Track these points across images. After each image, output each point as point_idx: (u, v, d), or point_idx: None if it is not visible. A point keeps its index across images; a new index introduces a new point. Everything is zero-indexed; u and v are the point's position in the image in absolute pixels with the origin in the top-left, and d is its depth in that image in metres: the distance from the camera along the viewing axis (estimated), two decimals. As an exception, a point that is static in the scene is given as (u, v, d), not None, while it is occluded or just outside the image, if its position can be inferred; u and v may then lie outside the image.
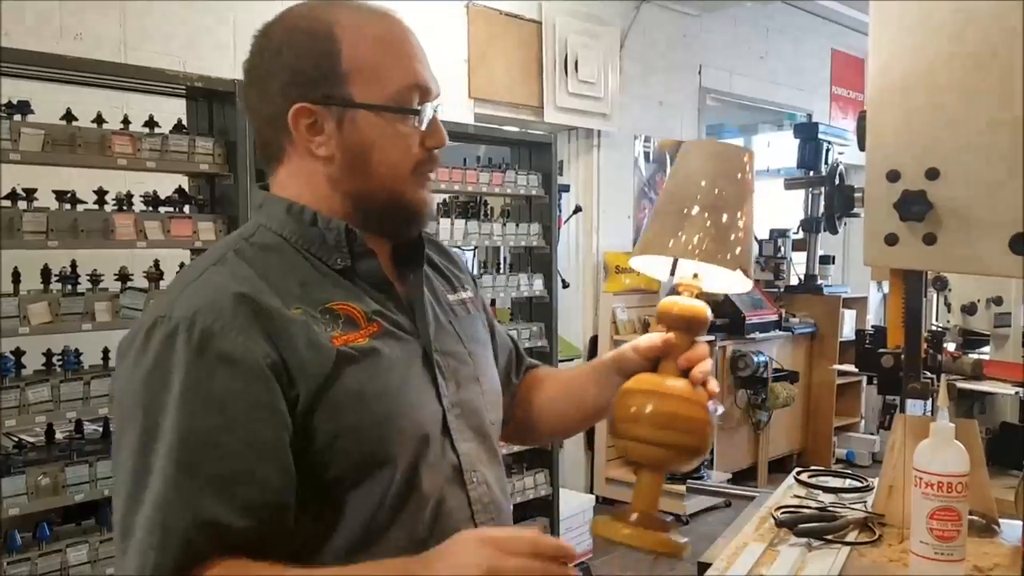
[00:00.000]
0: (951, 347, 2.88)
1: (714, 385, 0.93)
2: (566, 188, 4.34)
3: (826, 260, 5.85)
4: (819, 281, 5.63)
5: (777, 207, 6.62)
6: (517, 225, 3.14)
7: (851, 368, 3.40)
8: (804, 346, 5.45)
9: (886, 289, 6.19)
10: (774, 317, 5.07)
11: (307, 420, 0.82)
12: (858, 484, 1.53)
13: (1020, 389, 2.71)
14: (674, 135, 5.32)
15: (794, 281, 5.65)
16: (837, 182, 4.75)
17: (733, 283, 0.97)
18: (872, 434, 5.68)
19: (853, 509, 1.38)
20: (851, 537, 1.27)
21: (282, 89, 0.89)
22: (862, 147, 1.24)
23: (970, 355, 2.98)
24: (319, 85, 0.89)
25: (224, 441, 0.78)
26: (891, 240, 1.20)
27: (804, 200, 5.76)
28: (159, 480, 0.76)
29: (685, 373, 0.93)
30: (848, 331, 5.56)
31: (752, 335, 4.80)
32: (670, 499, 4.26)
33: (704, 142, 1.06)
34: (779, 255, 5.52)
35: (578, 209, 4.39)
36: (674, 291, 0.97)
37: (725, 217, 0.92)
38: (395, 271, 0.97)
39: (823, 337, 5.45)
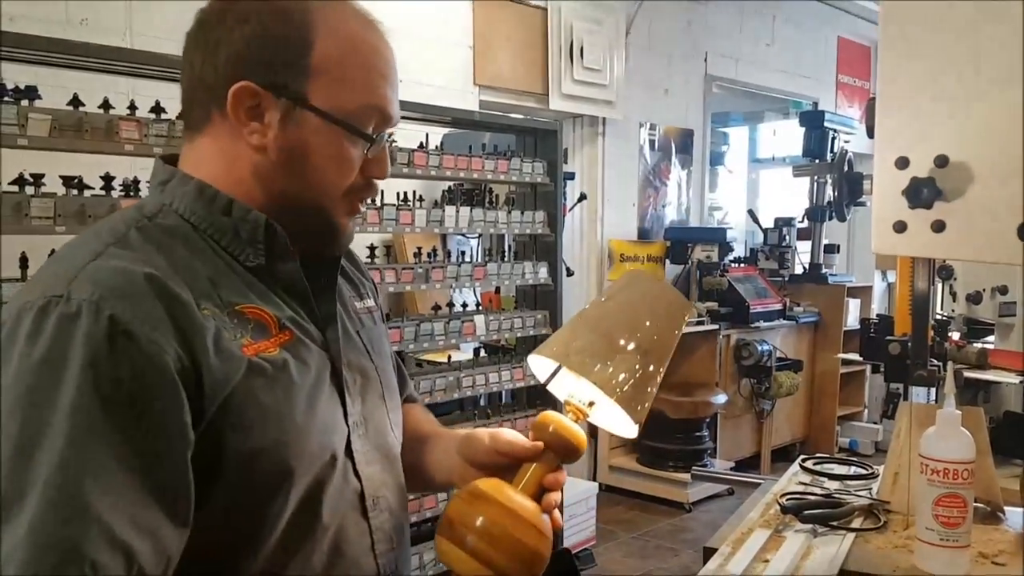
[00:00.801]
0: (956, 336, 2.89)
1: (559, 519, 0.85)
2: (571, 176, 4.33)
3: (831, 249, 5.84)
4: (824, 270, 5.62)
5: (783, 196, 6.61)
6: (522, 213, 3.14)
7: (855, 357, 3.41)
8: (808, 335, 5.45)
9: (891, 278, 6.21)
10: (778, 306, 5.07)
11: (207, 436, 0.72)
12: (863, 471, 1.54)
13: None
14: (679, 123, 5.31)
15: (799, 270, 5.65)
16: (845, 169, 4.72)
17: (621, 427, 0.91)
18: (875, 423, 5.69)
19: (858, 496, 1.38)
20: (856, 524, 1.28)
21: (232, 59, 0.79)
22: (871, 134, 1.24)
23: (975, 344, 2.99)
24: (276, 71, 0.79)
25: (123, 458, 0.67)
26: (899, 228, 1.20)
27: (810, 189, 5.75)
28: (38, 498, 0.64)
29: (537, 495, 0.84)
30: (852, 320, 5.55)
31: (756, 324, 4.80)
32: (673, 487, 4.29)
33: (659, 284, 0.99)
34: (784, 244, 5.51)
35: (583, 197, 4.39)
36: (557, 407, 0.90)
37: (651, 367, 0.87)
38: (306, 274, 0.86)
39: (827, 326, 5.45)
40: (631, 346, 0.87)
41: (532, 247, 3.26)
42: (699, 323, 4.50)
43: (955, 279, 3.08)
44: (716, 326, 4.56)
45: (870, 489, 1.44)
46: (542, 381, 0.95)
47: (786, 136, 6.71)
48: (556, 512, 0.85)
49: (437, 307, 3.08)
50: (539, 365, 0.94)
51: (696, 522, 4.25)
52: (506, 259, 3.20)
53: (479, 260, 3.16)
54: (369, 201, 2.78)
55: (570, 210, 4.31)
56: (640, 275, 1.00)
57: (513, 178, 3.09)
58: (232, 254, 0.81)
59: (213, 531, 0.74)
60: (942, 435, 1.12)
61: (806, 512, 1.28)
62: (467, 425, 2.90)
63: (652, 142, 5.12)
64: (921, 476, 1.12)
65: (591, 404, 0.88)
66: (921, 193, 1.19)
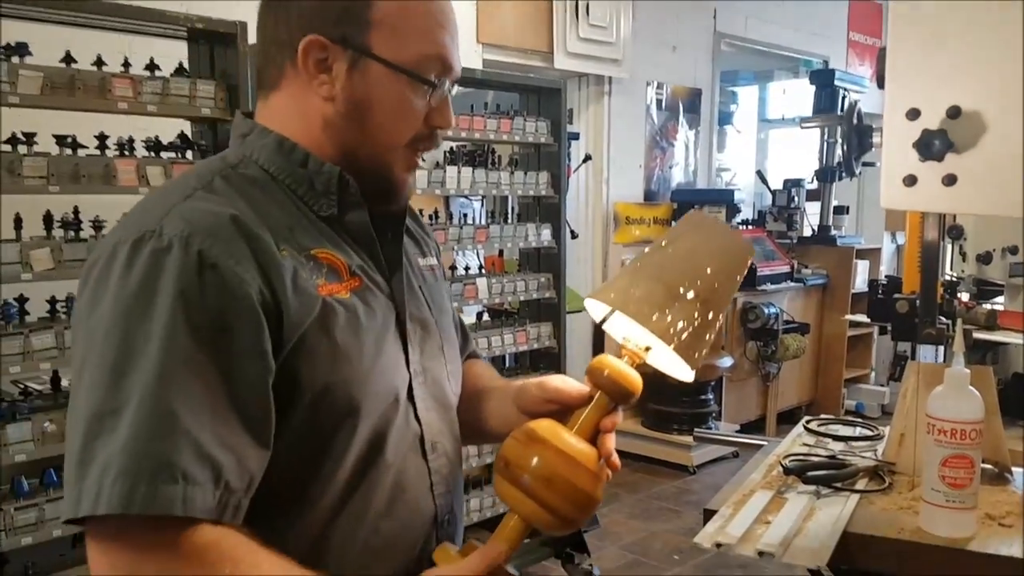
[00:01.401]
0: (965, 297, 2.86)
1: (616, 461, 0.86)
2: (575, 136, 4.27)
3: (840, 210, 5.76)
4: (833, 232, 5.56)
5: (792, 157, 6.51)
6: (525, 174, 3.09)
7: (863, 319, 3.37)
8: (816, 297, 5.40)
9: (900, 240, 6.11)
10: (786, 269, 5.02)
11: (284, 368, 0.77)
12: (868, 432, 1.51)
13: (1038, 339, 2.68)
14: (687, 82, 5.21)
15: (807, 232, 5.58)
16: (854, 121, 4.59)
17: (677, 371, 0.91)
18: (882, 386, 5.67)
19: (863, 457, 1.36)
20: (861, 485, 1.26)
21: (302, 16, 0.85)
22: (881, 84, 1.19)
23: (984, 305, 2.95)
24: (342, 23, 0.84)
25: (210, 380, 0.72)
26: (910, 181, 1.16)
27: (819, 149, 5.66)
28: (132, 415, 0.69)
29: (592, 438, 0.85)
30: (861, 283, 5.51)
31: (763, 287, 4.76)
32: (677, 449, 4.29)
33: (722, 228, 0.99)
34: (792, 205, 5.44)
35: (588, 158, 4.32)
36: (615, 351, 0.89)
37: (711, 315, 0.87)
38: (373, 226, 0.92)
39: (835, 288, 5.41)
40: (691, 295, 0.86)
41: (536, 209, 3.22)
42: (705, 286, 4.45)
43: (965, 239, 3.03)
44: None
45: (875, 450, 1.41)
46: (597, 321, 0.95)
47: (796, 96, 6.59)
48: (614, 455, 0.86)
49: (440, 269, 3.05)
50: (593, 306, 0.93)
51: (700, 484, 4.26)
52: (509, 221, 3.16)
53: (482, 222, 3.12)
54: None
55: (575, 171, 4.25)
56: (702, 219, 0.96)
57: (516, 138, 3.03)
58: (307, 203, 0.86)
59: (287, 460, 0.78)
60: (950, 394, 1.09)
61: (809, 473, 1.25)
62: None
63: (659, 102, 5.03)
64: (928, 436, 1.09)
65: (647, 349, 0.88)
66: (932, 145, 1.15)
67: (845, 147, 4.76)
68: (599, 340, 4.52)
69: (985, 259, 3.06)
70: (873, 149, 4.63)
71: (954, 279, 2.99)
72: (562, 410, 0.90)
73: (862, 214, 6.78)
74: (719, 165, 5.99)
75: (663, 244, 0.92)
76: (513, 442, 0.83)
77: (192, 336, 0.72)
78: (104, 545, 0.71)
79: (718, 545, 1.06)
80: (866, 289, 5.53)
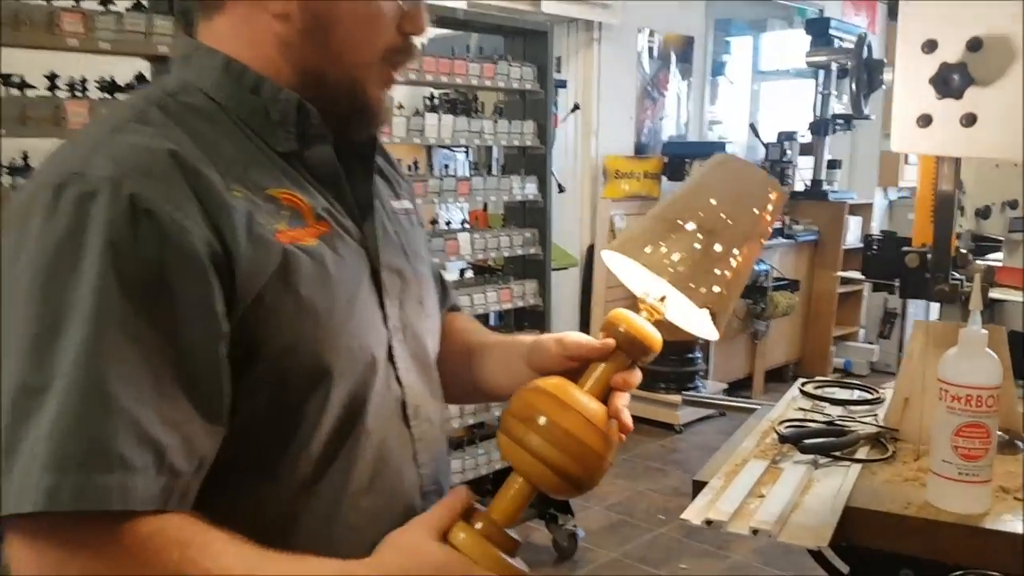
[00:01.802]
0: (963, 252, 2.77)
1: (628, 421, 0.78)
2: (563, 84, 4.10)
3: (833, 165, 5.65)
4: (825, 187, 5.45)
5: (785, 110, 6.37)
6: (510, 123, 2.95)
7: (857, 275, 3.28)
8: (807, 254, 5.32)
9: (892, 195, 5.99)
10: (777, 224, 4.92)
11: (242, 329, 0.67)
12: (868, 396, 1.42)
13: (1035, 297, 2.60)
14: (680, 30, 5.03)
15: (799, 187, 5.47)
16: (864, 56, 4.36)
17: (700, 327, 0.82)
18: (871, 343, 5.62)
19: (863, 423, 1.27)
20: (862, 454, 1.17)
21: None
22: (893, 15, 1.07)
23: (980, 261, 2.87)
24: None
25: (149, 348, 0.63)
26: (924, 121, 1.05)
27: (813, 101, 5.52)
28: (60, 391, 0.60)
29: (603, 396, 0.78)
30: (852, 239, 5.42)
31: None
32: (663, 408, 4.23)
33: (736, 160, 0.89)
34: (785, 159, 5.31)
35: (576, 107, 4.17)
36: (634, 306, 0.82)
37: (718, 247, 0.78)
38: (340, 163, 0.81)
39: (826, 245, 5.32)
40: (690, 225, 0.78)
41: (521, 161, 3.08)
42: (695, 241, 4.35)
43: (964, 192, 2.93)
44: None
45: (876, 415, 1.32)
46: (622, 280, 0.87)
47: (791, 47, 6.41)
48: (626, 414, 0.78)
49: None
50: (607, 258, 0.86)
51: (686, 444, 4.21)
52: (493, 172, 3.03)
53: (465, 174, 2.99)
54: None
55: (563, 121, 4.10)
56: (725, 159, 0.87)
57: (500, 84, 2.88)
58: (262, 138, 0.75)
59: (249, 434, 0.70)
60: (965, 357, 0.99)
61: (806, 441, 1.16)
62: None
63: (651, 50, 4.86)
64: (940, 403, 0.99)
65: (663, 299, 0.80)
66: (951, 81, 1.03)
67: (853, 84, 4.49)
68: (586, 298, 4.42)
69: (984, 213, 2.96)
70: (883, 87, 4.36)
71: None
72: (581, 369, 0.81)
73: (855, 168, 6.66)
74: (711, 118, 5.84)
75: (685, 182, 0.89)
76: (519, 399, 0.77)
77: (126, 297, 0.62)
78: (29, 543, 0.61)
79: (708, 522, 0.97)
80: (858, 245, 5.46)
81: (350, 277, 0.76)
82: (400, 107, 2.72)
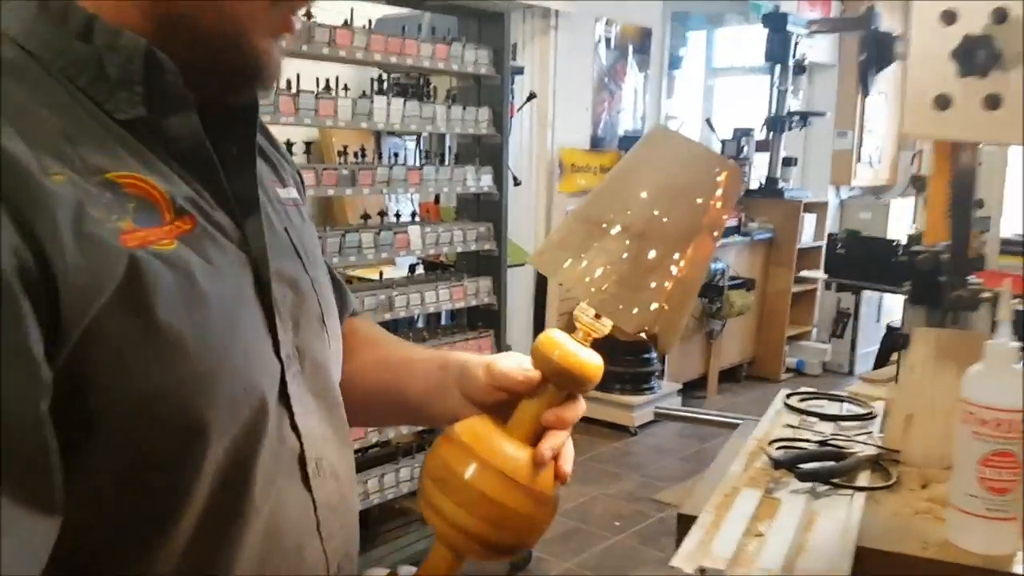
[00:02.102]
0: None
1: (566, 465, 0.64)
2: (519, 71, 3.94)
3: (788, 162, 5.63)
4: (780, 184, 5.42)
5: (740, 106, 6.33)
6: (464, 109, 2.77)
7: (820, 275, 3.20)
8: (762, 252, 5.27)
9: (844, 195, 5.96)
10: (733, 222, 4.85)
11: (72, 374, 0.48)
12: (859, 410, 1.30)
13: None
14: (637, 21, 4.91)
15: (755, 184, 5.42)
16: (872, 26, 4.16)
17: (659, 339, 0.67)
18: (824, 343, 5.61)
19: (859, 443, 1.14)
20: (862, 479, 1.04)
21: None
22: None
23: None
24: None
25: None
26: (943, 102, 0.91)
27: (769, 97, 5.47)
28: None
29: (534, 438, 0.64)
30: (807, 237, 5.40)
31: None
32: (618, 410, 4.11)
33: (669, 135, 0.68)
34: (742, 156, 5.26)
35: (532, 96, 4.01)
36: (570, 323, 0.67)
37: (653, 253, 0.62)
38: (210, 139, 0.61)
39: (781, 243, 5.28)
40: (615, 228, 0.63)
41: (476, 150, 2.91)
42: (652, 238, 4.26)
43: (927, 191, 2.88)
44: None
45: (870, 433, 1.20)
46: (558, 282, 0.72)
47: (746, 42, 6.37)
48: (564, 457, 0.64)
49: (367, 216, 2.74)
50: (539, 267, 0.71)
51: (641, 446, 4.10)
52: (446, 162, 2.85)
53: (415, 163, 2.80)
54: (283, 86, 2.38)
55: (519, 110, 3.94)
56: (652, 135, 0.70)
57: (454, 67, 2.70)
58: (97, 101, 0.55)
59: (97, 518, 0.51)
60: (993, 374, 0.86)
61: (802, 467, 1.02)
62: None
63: (608, 41, 4.73)
64: (962, 427, 0.86)
65: (598, 316, 0.64)
66: (975, 56, 0.90)
67: (863, 59, 4.25)
68: (540, 297, 4.28)
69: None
70: (895, 62, 4.06)
71: (918, 233, 2.84)
72: (514, 399, 0.66)
73: (808, 166, 6.66)
74: (668, 112, 5.75)
75: (612, 170, 0.69)
76: (433, 454, 0.65)
77: None
78: None
79: (702, 571, 0.82)
80: (812, 244, 5.44)
81: (228, 292, 0.57)
82: (346, 89, 2.52)
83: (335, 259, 2.50)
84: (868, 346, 5.58)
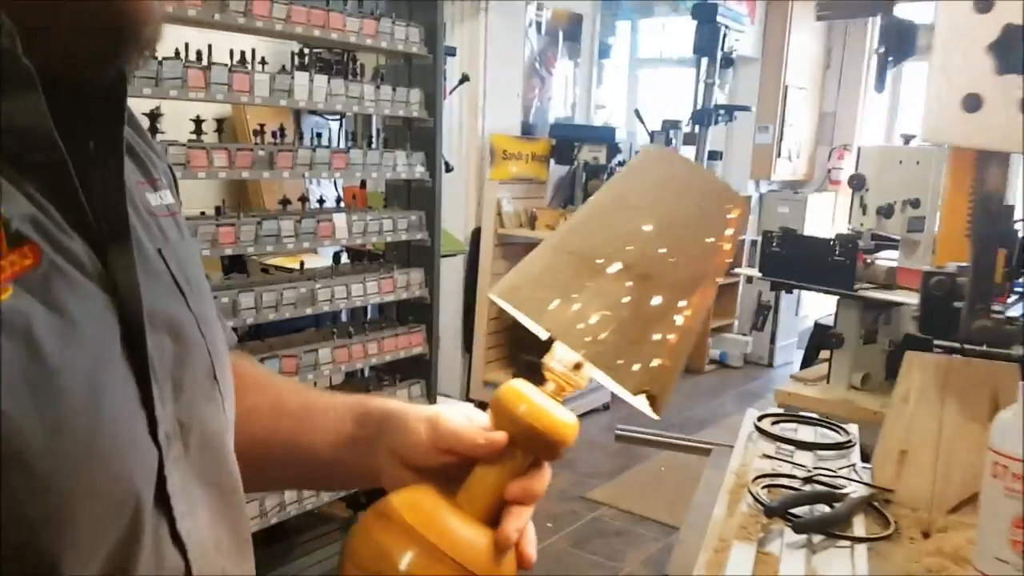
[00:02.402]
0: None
1: (531, 548, 0.53)
2: (452, 52, 3.75)
3: (714, 156, 5.63)
4: (707, 178, 5.42)
5: (664, 98, 6.31)
6: (394, 90, 2.58)
7: (754, 272, 3.17)
8: (689, 245, 5.26)
9: (764, 188, 6.02)
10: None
11: None
12: (837, 436, 1.20)
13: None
14: (568, 6, 4.78)
15: (682, 176, 5.40)
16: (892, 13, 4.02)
17: (637, 399, 0.55)
18: (744, 335, 5.67)
19: (847, 479, 1.04)
20: (858, 524, 0.93)
21: None
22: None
23: (881, 262, 2.81)
24: None
25: None
26: (973, 104, 0.80)
27: (695, 89, 5.45)
28: None
29: (492, 515, 0.53)
30: (732, 231, 5.42)
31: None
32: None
33: (677, 160, 0.57)
34: (670, 149, 5.22)
35: (465, 78, 3.83)
36: (538, 373, 0.55)
37: (658, 299, 0.52)
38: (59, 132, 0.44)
39: (707, 236, 5.28)
40: (615, 267, 0.52)
41: (406, 134, 2.72)
42: (584, 229, 4.17)
43: (867, 190, 2.87)
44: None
45: (853, 465, 1.10)
46: (523, 322, 0.57)
47: (672, 33, 6.34)
48: (525, 543, 0.52)
49: (286, 201, 2.52)
50: (501, 301, 0.57)
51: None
52: (374, 146, 2.65)
53: (340, 146, 2.59)
54: (193, 57, 2.13)
55: (451, 93, 3.75)
56: (658, 156, 0.60)
57: (383, 44, 2.50)
58: None
59: None
60: (1026, 423, 0.76)
61: (798, 519, 0.91)
62: (325, 346, 2.41)
63: (539, 25, 4.58)
64: (992, 483, 0.76)
65: (577, 366, 0.53)
66: (1012, 49, 0.79)
67: (882, 49, 4.10)
68: (471, 290, 4.13)
69: (887, 212, 2.90)
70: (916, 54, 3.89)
71: (853, 232, 2.82)
72: (464, 464, 0.54)
73: (729, 161, 6.72)
74: (597, 102, 5.66)
75: (596, 194, 0.58)
76: (361, 535, 0.51)
77: None
78: None
79: (708, 660, 0.69)
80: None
81: (86, 360, 0.40)
82: (263, 63, 2.29)
83: (250, 248, 2.28)
84: (787, 339, 5.68)
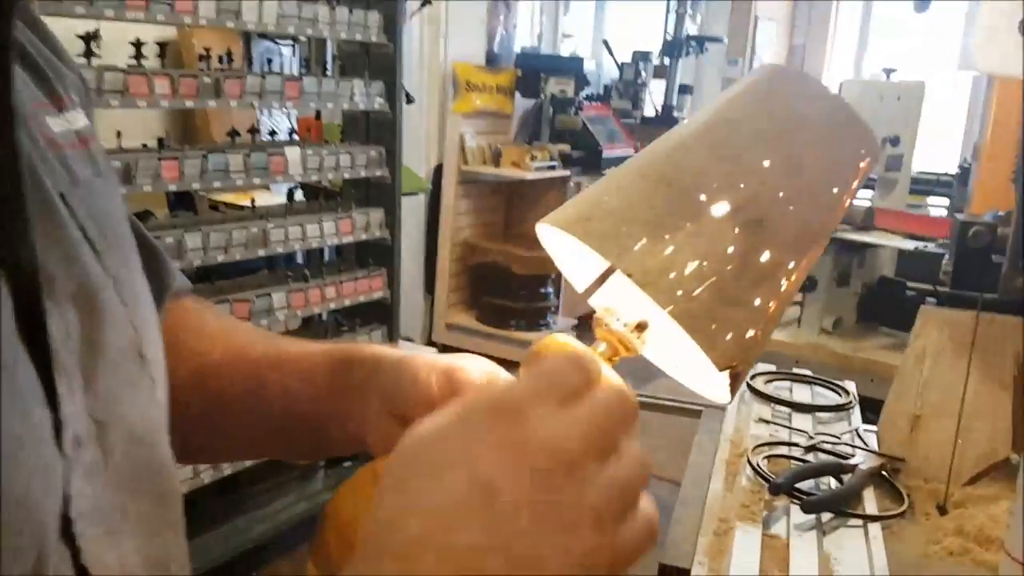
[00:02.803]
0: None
1: None
2: (412, -28, 3.50)
3: (685, 90, 5.49)
4: (676, 113, 5.28)
5: (637, 26, 6.11)
6: (351, 11, 2.37)
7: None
8: (656, 183, 5.16)
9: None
10: (631, 151, 4.67)
11: None
12: (836, 397, 1.12)
13: (915, 242, 2.50)
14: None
15: (650, 112, 5.26)
16: None
17: (703, 381, 0.46)
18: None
19: (851, 446, 0.96)
20: (869, 500, 0.85)
21: None
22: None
23: (857, 202, 2.74)
24: None
25: None
26: (1028, 34, 0.69)
27: (666, 20, 5.27)
28: None
29: None
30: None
31: (608, 170, 4.38)
32: (515, 347, 3.93)
33: (814, 84, 0.44)
34: (640, 81, 5.06)
35: (427, 1, 3.59)
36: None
37: (767, 255, 0.42)
38: None
39: (675, 174, 5.19)
40: (721, 207, 0.41)
41: (364, 61, 2.52)
42: (550, 168, 4.02)
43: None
44: (567, 172, 4.11)
45: (856, 430, 1.02)
46: (578, 286, 0.49)
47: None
48: None
49: (235, 133, 2.32)
50: (558, 243, 0.47)
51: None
52: (329, 73, 2.45)
53: (293, 73, 2.39)
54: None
55: (411, 16, 3.52)
56: (788, 74, 0.47)
57: (339, -40, 2.29)
58: None
59: None
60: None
61: (806, 496, 0.82)
62: (279, 290, 2.26)
63: (505, -56, 4.33)
64: (1034, 463, 0.68)
65: (640, 327, 0.44)
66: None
67: None
68: (432, 232, 3.98)
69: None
70: None
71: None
72: None
73: (698, 95, 6.58)
74: (563, 31, 5.44)
75: (698, 114, 0.47)
76: (349, 498, 0.43)
77: None
78: None
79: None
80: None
81: None
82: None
83: (196, 184, 2.11)
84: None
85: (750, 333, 0.41)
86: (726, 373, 0.41)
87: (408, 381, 0.47)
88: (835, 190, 0.43)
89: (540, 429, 0.31)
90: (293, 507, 2.43)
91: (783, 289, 0.41)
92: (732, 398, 0.43)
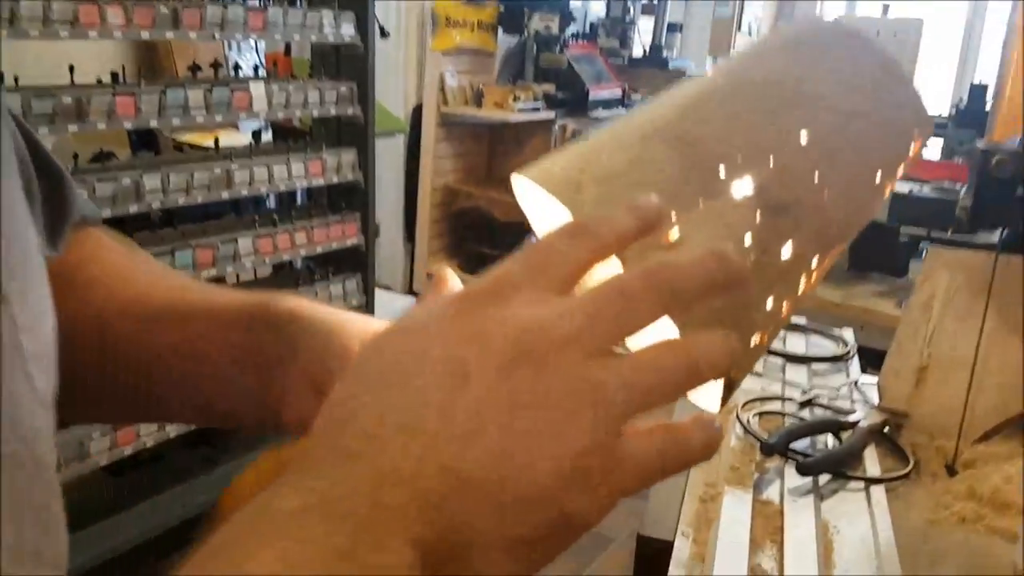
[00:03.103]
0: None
1: None
2: None
3: (673, 28, 5.32)
4: (665, 53, 5.12)
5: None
6: (318, -64, 2.21)
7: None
8: (644, 126, 5.02)
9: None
10: (618, 92, 4.52)
11: None
12: (833, 347, 1.04)
13: (908, 184, 2.41)
14: None
15: (638, 52, 5.09)
16: None
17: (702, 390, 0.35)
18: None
19: (849, 400, 0.88)
20: (871, 460, 0.77)
21: None
22: None
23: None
24: None
25: None
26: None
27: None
28: None
29: None
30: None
31: (595, 112, 4.23)
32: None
33: (869, 47, 0.35)
34: (628, 19, 4.88)
35: (402, -69, 3.40)
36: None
37: (788, 248, 0.34)
38: None
39: (664, 117, 5.05)
40: (742, 184, 0.34)
41: (333, -11, 2.36)
42: (534, 110, 3.88)
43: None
44: (552, 114, 3.96)
45: (855, 383, 0.94)
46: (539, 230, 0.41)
47: None
48: None
49: (196, 67, 2.18)
50: (533, 196, 0.38)
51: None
52: (297, 4, 2.30)
53: (257, 3, 2.24)
54: None
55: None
56: (837, 31, 0.39)
57: None
58: None
59: None
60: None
61: (802, 457, 0.74)
62: (246, 235, 2.15)
63: None
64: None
65: None
66: None
67: None
68: (412, 175, 3.84)
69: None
70: None
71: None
72: None
73: (688, 35, 6.39)
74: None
75: (722, 64, 0.42)
76: (247, 490, 0.38)
77: None
78: None
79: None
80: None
81: None
82: None
83: (153, 121, 1.97)
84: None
85: (755, 340, 0.33)
86: (720, 381, 0.33)
87: (337, 349, 0.39)
88: (878, 175, 0.35)
89: (524, 308, 0.28)
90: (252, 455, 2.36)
91: (800, 290, 0.34)
92: (722, 408, 0.34)
